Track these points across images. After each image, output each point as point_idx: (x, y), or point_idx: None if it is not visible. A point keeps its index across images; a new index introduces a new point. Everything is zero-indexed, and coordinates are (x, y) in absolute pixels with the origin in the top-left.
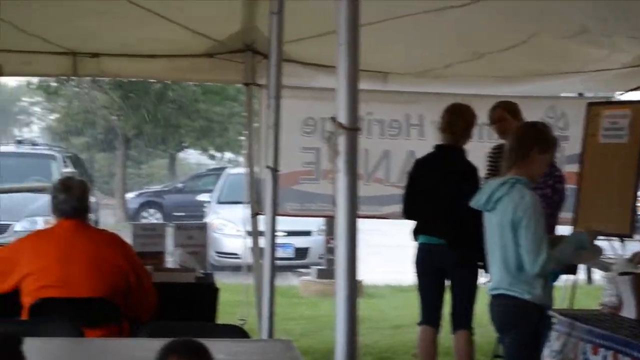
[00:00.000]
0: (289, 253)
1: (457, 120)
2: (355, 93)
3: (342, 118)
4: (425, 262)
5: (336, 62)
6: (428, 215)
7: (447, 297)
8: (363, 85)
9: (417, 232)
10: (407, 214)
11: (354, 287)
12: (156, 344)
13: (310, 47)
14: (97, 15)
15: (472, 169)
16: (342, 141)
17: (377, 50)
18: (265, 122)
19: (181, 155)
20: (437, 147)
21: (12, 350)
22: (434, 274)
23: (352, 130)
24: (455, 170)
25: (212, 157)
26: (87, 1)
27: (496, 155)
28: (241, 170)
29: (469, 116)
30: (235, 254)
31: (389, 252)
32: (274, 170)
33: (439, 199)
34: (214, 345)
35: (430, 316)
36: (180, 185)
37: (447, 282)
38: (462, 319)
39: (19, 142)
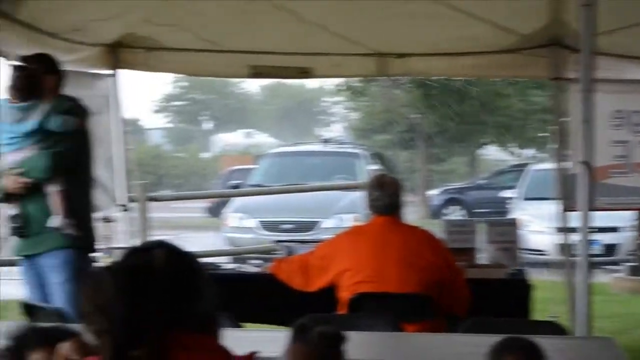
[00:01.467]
0: (597, 249)
1: None
2: None
3: None
4: None
5: None
6: None
7: None
8: None
9: None
10: None
11: None
12: (474, 340)
13: (620, 39)
14: (402, 16)
15: None
16: None
17: None
18: (575, 117)
19: (481, 151)
20: None
21: (334, 348)
22: None
23: None
24: None
25: (513, 153)
26: (393, 2)
27: None
28: (546, 166)
29: None
30: (541, 251)
31: None
32: (588, 165)
33: None
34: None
35: None
36: (481, 181)
37: None
38: None
39: (325, 141)
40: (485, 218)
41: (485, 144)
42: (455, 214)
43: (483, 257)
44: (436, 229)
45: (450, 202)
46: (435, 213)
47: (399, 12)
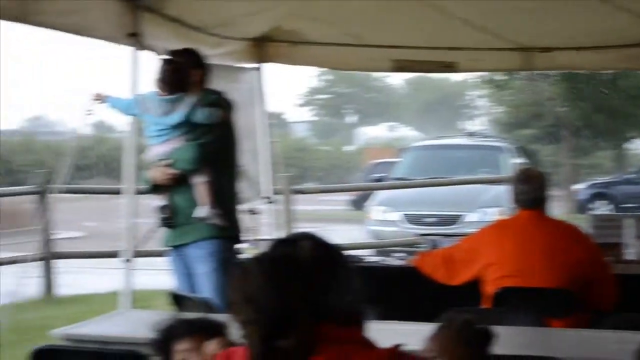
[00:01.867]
0: None
1: None
2: None
3: None
4: None
5: None
6: None
7: None
8: None
9: None
10: None
11: None
12: (621, 337)
13: None
14: (546, 10)
15: None
16: None
17: None
18: None
19: (628, 145)
20: None
21: (481, 342)
22: None
23: None
24: None
25: None
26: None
27: None
28: None
29: None
30: None
31: None
32: None
33: None
34: None
35: None
36: (629, 175)
37: None
38: None
39: (469, 135)
40: (633, 213)
41: (633, 137)
42: (602, 208)
43: (631, 252)
44: (582, 223)
45: (596, 196)
46: (581, 208)
47: (543, 6)
